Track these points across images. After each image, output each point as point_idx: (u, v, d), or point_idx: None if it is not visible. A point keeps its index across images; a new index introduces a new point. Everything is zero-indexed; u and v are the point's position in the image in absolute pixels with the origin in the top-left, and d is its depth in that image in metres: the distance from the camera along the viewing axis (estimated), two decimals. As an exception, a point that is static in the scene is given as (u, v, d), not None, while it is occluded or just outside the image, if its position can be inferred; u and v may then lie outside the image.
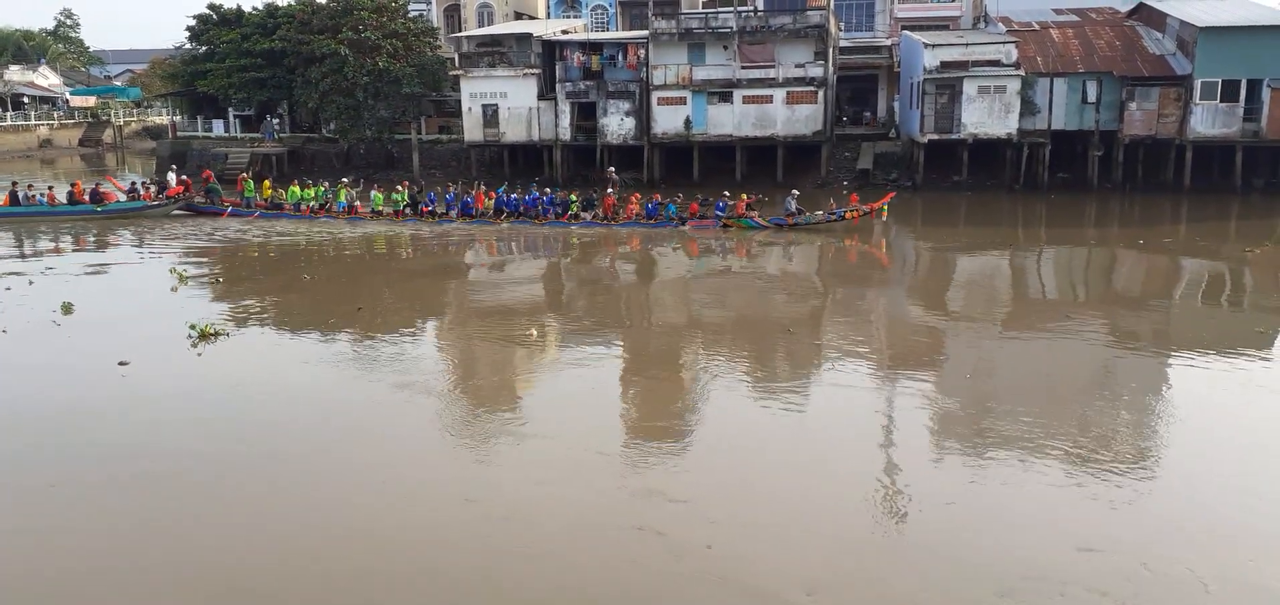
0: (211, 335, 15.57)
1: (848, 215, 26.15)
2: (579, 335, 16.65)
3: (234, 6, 46.92)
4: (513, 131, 39.10)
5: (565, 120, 38.39)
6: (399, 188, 30.65)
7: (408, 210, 29.01)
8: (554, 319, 18.22)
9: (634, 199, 28.55)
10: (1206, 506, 9.27)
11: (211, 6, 47.09)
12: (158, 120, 68.08)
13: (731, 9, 37.12)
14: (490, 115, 39.06)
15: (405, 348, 15.68)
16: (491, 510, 9.33)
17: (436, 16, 49.74)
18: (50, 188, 32.64)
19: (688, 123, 37.26)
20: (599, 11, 46.80)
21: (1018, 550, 8.37)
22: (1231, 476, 9.94)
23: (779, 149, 36.73)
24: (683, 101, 37.18)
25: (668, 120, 37.42)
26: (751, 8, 38.98)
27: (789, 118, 36.60)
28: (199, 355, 14.77)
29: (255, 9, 46.72)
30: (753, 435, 11.43)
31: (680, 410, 12.55)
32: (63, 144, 67.30)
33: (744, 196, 27.81)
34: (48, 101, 73.15)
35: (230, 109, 47.33)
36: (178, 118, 53.67)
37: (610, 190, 29.19)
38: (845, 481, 9.91)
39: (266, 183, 32.27)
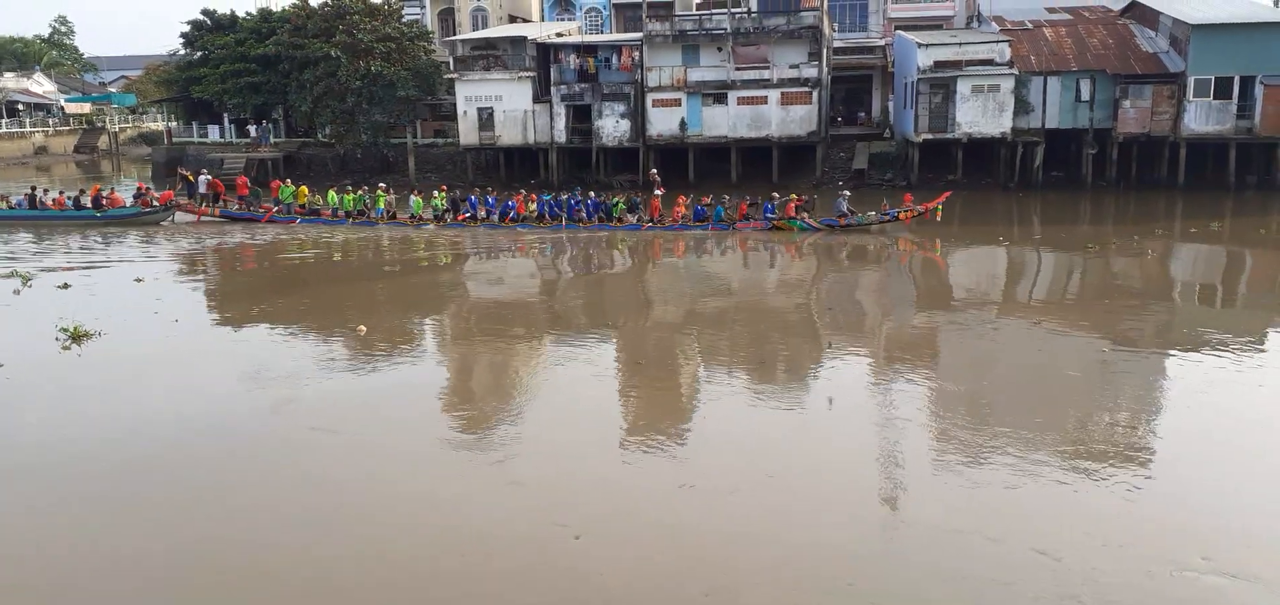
0: (83, 336, 15.27)
1: (902, 216, 25.86)
2: (573, 333, 16.69)
3: (228, 12, 47.04)
4: (508, 134, 39.14)
5: (560, 123, 38.45)
6: (437, 192, 30.41)
7: (447, 215, 28.75)
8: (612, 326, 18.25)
9: (680, 201, 28.06)
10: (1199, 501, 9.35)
11: (205, 12, 47.16)
12: (153, 126, 67.96)
13: (725, 11, 37.20)
14: (486, 118, 39.11)
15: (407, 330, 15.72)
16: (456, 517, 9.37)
17: (431, 20, 49.73)
18: (61, 192, 32.76)
19: (683, 124, 37.33)
20: (593, 14, 46.85)
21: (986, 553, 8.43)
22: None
23: (774, 150, 36.80)
24: (677, 103, 37.26)
25: (663, 122, 37.49)
26: (745, 9, 39.06)
27: (784, 118, 36.69)
28: (78, 356, 14.53)
29: (249, 14, 46.83)
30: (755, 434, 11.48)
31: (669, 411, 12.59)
32: (58, 151, 67.20)
33: (794, 196, 27.39)
34: (42, 109, 73.11)
35: (225, 114, 47.35)
36: (173, 123, 53.66)
37: (656, 192, 28.87)
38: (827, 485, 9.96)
39: (303, 188, 31.82)
